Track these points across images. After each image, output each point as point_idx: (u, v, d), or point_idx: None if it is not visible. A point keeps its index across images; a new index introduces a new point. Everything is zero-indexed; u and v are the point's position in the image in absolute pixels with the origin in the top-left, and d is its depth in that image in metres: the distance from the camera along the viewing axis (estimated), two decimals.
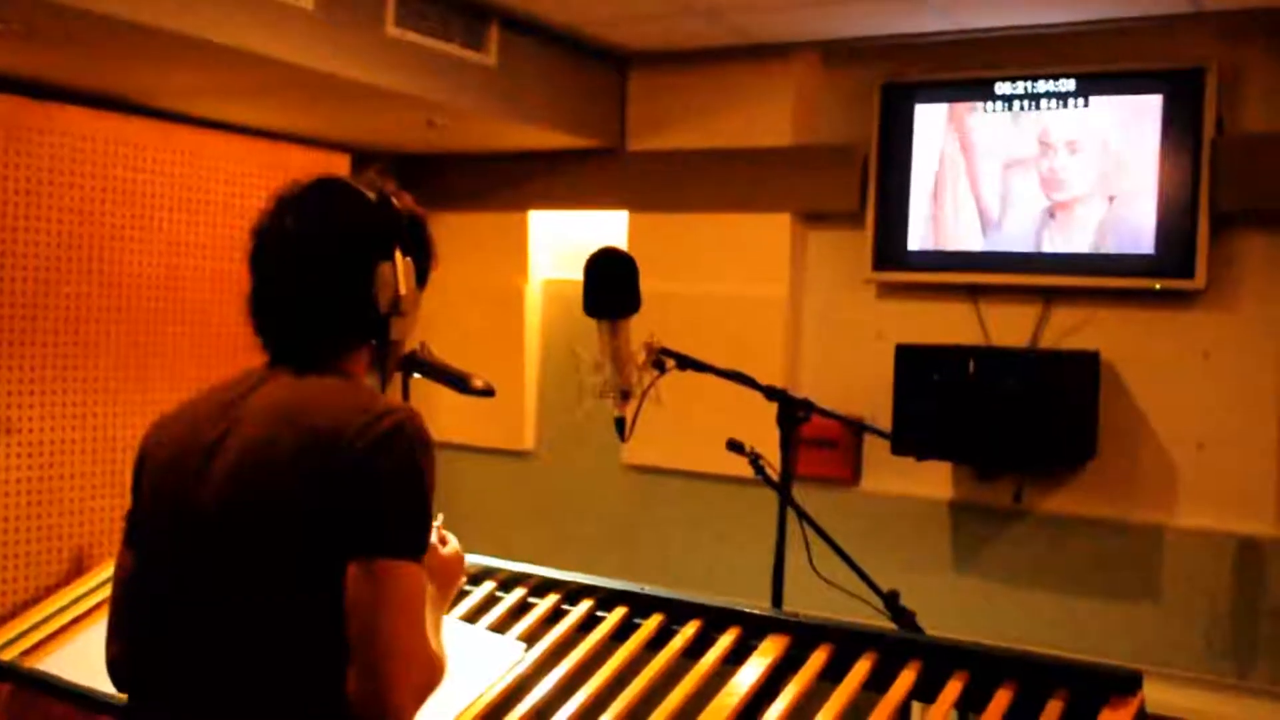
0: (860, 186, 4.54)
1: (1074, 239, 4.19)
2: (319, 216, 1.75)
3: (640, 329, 2.78)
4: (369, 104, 4.19)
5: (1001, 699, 2.07)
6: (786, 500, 2.79)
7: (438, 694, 1.67)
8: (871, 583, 2.73)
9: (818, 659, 2.25)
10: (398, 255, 1.74)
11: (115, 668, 1.80)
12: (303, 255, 1.72)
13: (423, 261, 1.83)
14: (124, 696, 1.81)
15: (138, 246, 4.10)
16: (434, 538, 1.92)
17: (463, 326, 5.20)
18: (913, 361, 4.12)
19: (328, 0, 3.69)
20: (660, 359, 2.78)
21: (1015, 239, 4.29)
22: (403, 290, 1.74)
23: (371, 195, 1.77)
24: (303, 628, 1.60)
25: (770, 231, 4.73)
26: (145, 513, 1.77)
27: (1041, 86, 4.22)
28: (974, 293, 4.38)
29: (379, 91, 3.97)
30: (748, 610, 2.40)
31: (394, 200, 1.79)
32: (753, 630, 2.36)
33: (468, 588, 2.67)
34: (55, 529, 3.87)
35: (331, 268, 1.72)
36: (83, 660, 3.17)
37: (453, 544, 1.98)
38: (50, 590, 3.78)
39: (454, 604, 2.59)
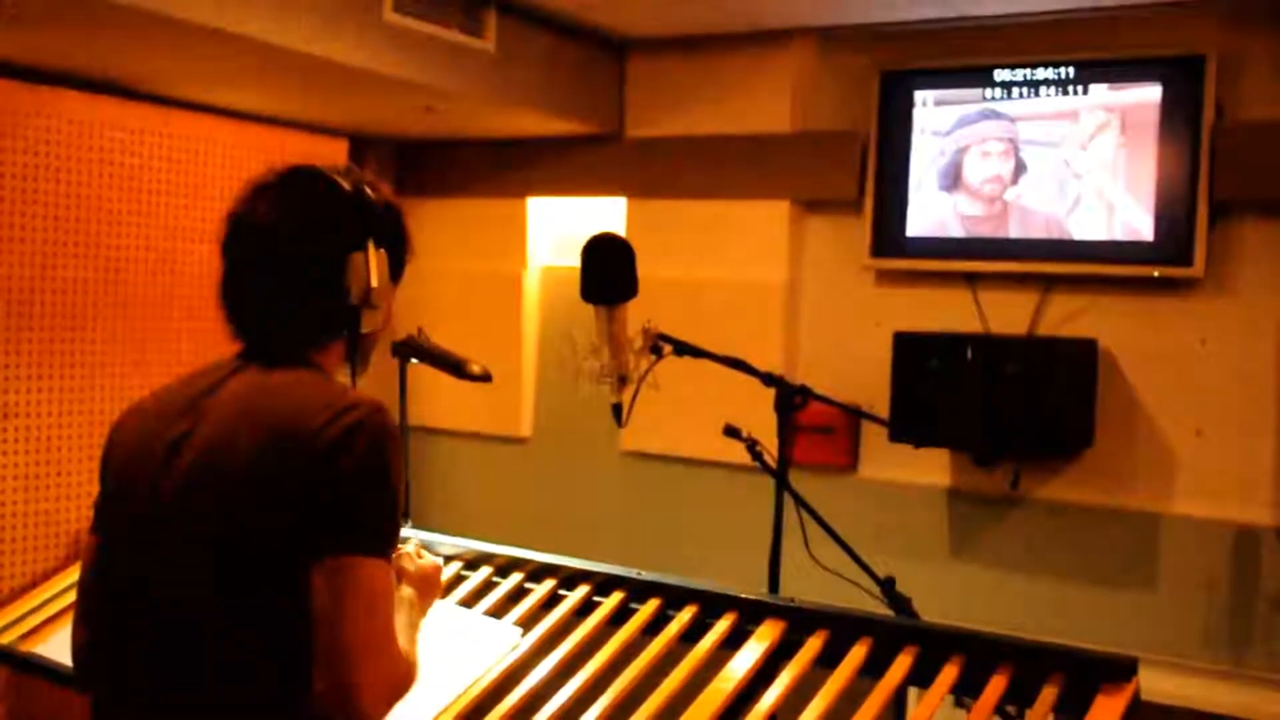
0: (859, 173, 4.54)
1: (1072, 226, 4.18)
2: (291, 204, 1.72)
3: (638, 315, 2.77)
4: (367, 90, 4.18)
5: (997, 684, 2.07)
6: (783, 486, 2.79)
7: (434, 679, 1.65)
8: (868, 569, 2.73)
9: (814, 644, 2.25)
10: (370, 247, 1.71)
11: (79, 655, 1.76)
12: (274, 243, 1.70)
13: (398, 254, 1.80)
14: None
15: (134, 231, 4.08)
16: (412, 548, 1.93)
17: (461, 313, 5.20)
18: (911, 348, 4.12)
19: None
20: (657, 344, 2.77)
21: (1013, 226, 4.29)
22: (374, 282, 1.71)
23: (346, 185, 1.73)
24: (263, 627, 1.56)
25: (768, 218, 4.72)
26: (111, 501, 1.74)
27: (1040, 74, 4.22)
28: (972, 280, 4.38)
29: (377, 77, 3.96)
30: (744, 596, 2.40)
31: (369, 191, 1.76)
32: (749, 615, 2.36)
33: (465, 572, 2.68)
34: (52, 513, 3.87)
35: (302, 257, 1.69)
36: None
37: (429, 557, 2.00)
38: (48, 575, 3.78)
39: (451, 589, 2.60)
